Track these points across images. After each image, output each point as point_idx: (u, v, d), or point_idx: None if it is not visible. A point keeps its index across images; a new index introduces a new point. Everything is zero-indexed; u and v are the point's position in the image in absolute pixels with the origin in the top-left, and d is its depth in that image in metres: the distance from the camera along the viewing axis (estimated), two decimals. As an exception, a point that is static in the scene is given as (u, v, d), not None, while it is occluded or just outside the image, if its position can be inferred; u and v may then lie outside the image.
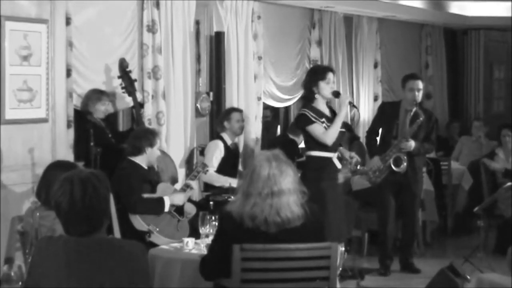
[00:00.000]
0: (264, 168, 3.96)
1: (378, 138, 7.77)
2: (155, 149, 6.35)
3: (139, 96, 7.23)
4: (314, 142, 6.44)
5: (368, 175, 7.53)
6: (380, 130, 7.73)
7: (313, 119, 6.37)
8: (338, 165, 6.56)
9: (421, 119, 7.34)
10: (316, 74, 6.54)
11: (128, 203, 6.00)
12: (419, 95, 7.51)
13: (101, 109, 6.90)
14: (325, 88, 6.43)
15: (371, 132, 7.82)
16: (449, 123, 12.17)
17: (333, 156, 6.46)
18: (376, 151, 7.61)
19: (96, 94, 6.90)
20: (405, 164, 7.36)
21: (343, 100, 6.53)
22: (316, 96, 6.44)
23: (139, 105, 7.21)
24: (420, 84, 7.55)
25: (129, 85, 7.01)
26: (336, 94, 6.57)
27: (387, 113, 7.72)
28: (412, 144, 7.35)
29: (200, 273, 4.24)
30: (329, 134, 6.37)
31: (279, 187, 3.94)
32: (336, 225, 6.23)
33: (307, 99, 6.53)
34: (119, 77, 7.03)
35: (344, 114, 6.49)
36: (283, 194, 3.95)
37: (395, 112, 7.58)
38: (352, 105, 6.68)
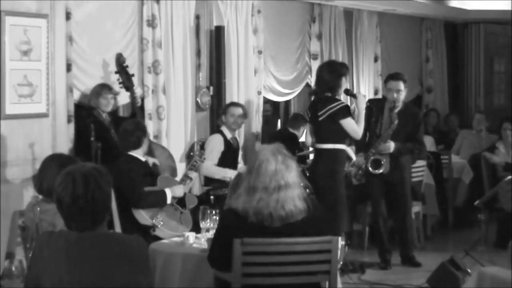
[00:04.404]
0: (270, 163, 3.93)
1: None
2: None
3: (139, 91, 7.21)
4: (329, 135, 6.50)
5: (352, 173, 7.40)
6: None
7: (351, 113, 6.56)
8: (353, 156, 6.62)
9: (395, 123, 7.17)
10: (342, 69, 6.77)
11: (131, 198, 5.98)
12: (399, 97, 7.27)
13: (104, 103, 6.89)
14: (344, 85, 6.69)
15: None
16: (447, 115, 12.15)
17: (346, 147, 6.56)
18: (362, 147, 7.43)
19: (98, 89, 6.89)
20: (384, 166, 7.20)
21: (361, 99, 6.78)
22: (339, 91, 6.69)
23: (136, 100, 7.14)
24: (401, 85, 7.29)
25: (126, 80, 6.97)
26: (352, 94, 6.79)
27: (373, 110, 7.35)
28: (391, 146, 7.21)
29: (209, 262, 4.23)
30: (361, 130, 6.65)
31: (286, 181, 3.93)
32: (344, 217, 6.35)
33: (334, 93, 6.69)
34: (116, 72, 7.01)
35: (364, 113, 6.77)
36: (289, 188, 3.94)
37: (381, 109, 7.38)
38: (368, 106, 6.96)
